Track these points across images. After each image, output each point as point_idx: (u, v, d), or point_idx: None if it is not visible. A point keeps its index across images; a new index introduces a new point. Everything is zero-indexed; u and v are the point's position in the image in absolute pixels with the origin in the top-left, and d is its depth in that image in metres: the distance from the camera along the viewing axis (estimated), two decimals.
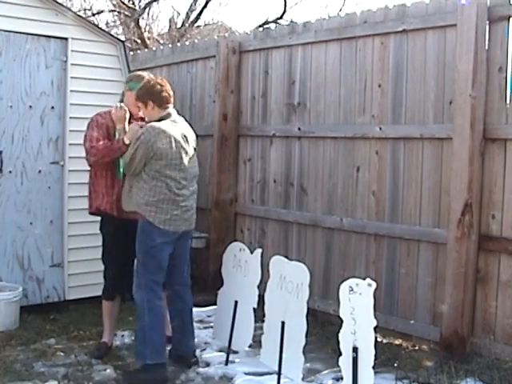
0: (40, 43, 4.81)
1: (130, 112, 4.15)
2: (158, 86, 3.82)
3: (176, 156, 3.75)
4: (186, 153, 3.83)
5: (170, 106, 3.88)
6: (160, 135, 3.70)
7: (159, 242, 3.77)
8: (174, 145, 3.73)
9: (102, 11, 13.16)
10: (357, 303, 3.15)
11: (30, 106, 4.79)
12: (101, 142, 3.99)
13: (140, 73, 4.26)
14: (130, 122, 4.18)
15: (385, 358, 3.93)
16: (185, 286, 4.02)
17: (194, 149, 3.96)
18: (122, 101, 4.18)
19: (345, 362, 3.20)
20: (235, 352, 4.09)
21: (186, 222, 3.87)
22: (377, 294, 3.14)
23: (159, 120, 3.80)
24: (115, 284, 4.20)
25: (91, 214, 4.24)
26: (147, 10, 13.11)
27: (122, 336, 4.47)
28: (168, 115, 3.83)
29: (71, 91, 4.92)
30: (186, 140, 3.85)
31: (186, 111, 5.93)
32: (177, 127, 3.83)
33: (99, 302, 4.28)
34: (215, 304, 4.33)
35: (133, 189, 3.80)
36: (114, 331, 4.38)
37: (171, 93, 3.88)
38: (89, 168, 4.19)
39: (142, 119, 4.21)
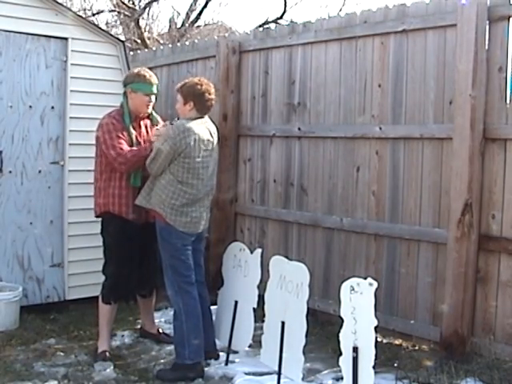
0: (40, 43, 4.81)
1: (137, 112, 4.12)
2: (207, 94, 3.85)
3: (202, 154, 3.78)
4: (212, 152, 3.89)
5: (207, 113, 3.95)
6: (190, 131, 3.73)
7: (181, 245, 3.83)
8: (200, 143, 3.76)
9: (102, 11, 13.16)
10: (358, 303, 3.15)
11: (30, 106, 4.79)
12: (125, 148, 3.93)
13: (138, 71, 4.13)
14: (138, 122, 4.16)
15: (385, 358, 3.93)
16: (202, 283, 4.06)
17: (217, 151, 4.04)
18: (127, 102, 4.10)
19: (345, 361, 3.20)
20: (235, 352, 4.09)
21: (204, 221, 3.95)
22: (377, 293, 3.13)
23: (188, 119, 3.83)
24: (121, 286, 4.10)
25: (98, 216, 4.15)
26: (147, 9, 13.11)
27: (122, 336, 4.47)
28: (199, 118, 3.87)
29: (71, 91, 4.92)
30: (213, 141, 3.91)
31: None
32: (204, 126, 3.87)
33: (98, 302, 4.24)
34: (215, 304, 4.32)
35: (155, 189, 3.81)
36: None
37: (213, 102, 3.93)
38: (91, 168, 4.19)
39: (148, 117, 4.21)
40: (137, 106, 4.10)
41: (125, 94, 4.14)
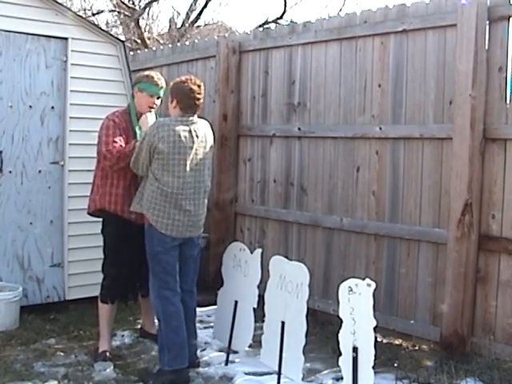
0: (40, 43, 4.81)
1: (141, 112, 4.11)
2: (190, 93, 3.71)
3: (178, 151, 3.64)
4: (193, 152, 3.70)
5: (194, 113, 3.76)
6: (164, 127, 3.65)
7: (162, 248, 3.71)
8: (176, 139, 3.63)
9: (102, 11, 13.17)
10: (356, 303, 3.15)
11: (30, 106, 4.79)
12: (117, 145, 3.92)
13: (148, 73, 4.15)
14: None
15: (385, 358, 3.93)
16: (188, 292, 3.90)
17: (207, 152, 3.83)
18: (133, 102, 4.11)
19: (345, 362, 3.20)
20: (235, 352, 4.08)
21: (191, 227, 3.77)
22: (377, 294, 3.14)
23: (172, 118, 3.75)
24: (120, 286, 4.11)
25: (91, 214, 4.18)
26: (147, 9, 13.13)
27: (122, 336, 4.47)
28: (184, 117, 3.73)
29: (71, 91, 4.92)
30: (194, 139, 3.70)
31: None
32: (187, 126, 3.70)
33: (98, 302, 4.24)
34: (215, 304, 4.33)
35: (144, 191, 3.77)
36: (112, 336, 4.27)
37: (199, 101, 3.76)
38: (91, 168, 4.18)
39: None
40: (141, 105, 4.10)
41: (132, 94, 4.18)
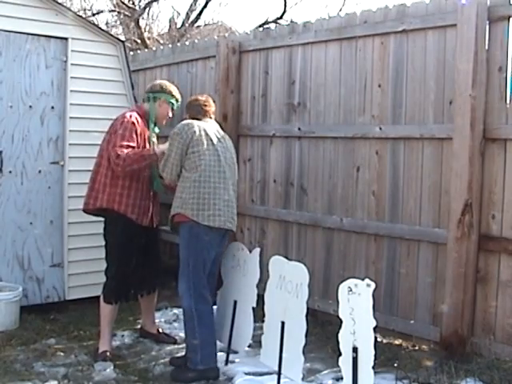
0: (40, 43, 4.81)
1: (156, 120, 4.27)
2: (193, 101, 4.11)
3: (209, 142, 3.86)
4: (222, 145, 3.96)
5: (203, 117, 4.07)
6: (191, 123, 3.89)
7: (207, 245, 3.80)
8: (204, 133, 3.87)
9: (101, 11, 13.16)
10: (356, 304, 3.14)
11: (30, 106, 4.80)
12: (131, 149, 3.96)
13: (173, 89, 4.36)
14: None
15: (385, 358, 3.93)
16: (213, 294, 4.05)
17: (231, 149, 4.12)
18: (154, 109, 4.26)
19: (345, 362, 3.20)
20: (235, 352, 4.08)
21: (231, 219, 3.90)
22: (377, 294, 3.14)
23: None
24: (124, 286, 4.11)
25: (88, 211, 4.16)
26: (147, 9, 13.11)
27: (122, 336, 4.47)
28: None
29: (71, 91, 4.92)
30: (219, 134, 4.01)
31: None
32: (204, 122, 4.01)
33: (99, 302, 4.24)
34: (215, 304, 4.32)
35: (177, 194, 3.85)
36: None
37: (208, 108, 4.11)
38: (91, 168, 4.19)
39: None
40: (162, 115, 4.27)
41: (154, 99, 4.24)
